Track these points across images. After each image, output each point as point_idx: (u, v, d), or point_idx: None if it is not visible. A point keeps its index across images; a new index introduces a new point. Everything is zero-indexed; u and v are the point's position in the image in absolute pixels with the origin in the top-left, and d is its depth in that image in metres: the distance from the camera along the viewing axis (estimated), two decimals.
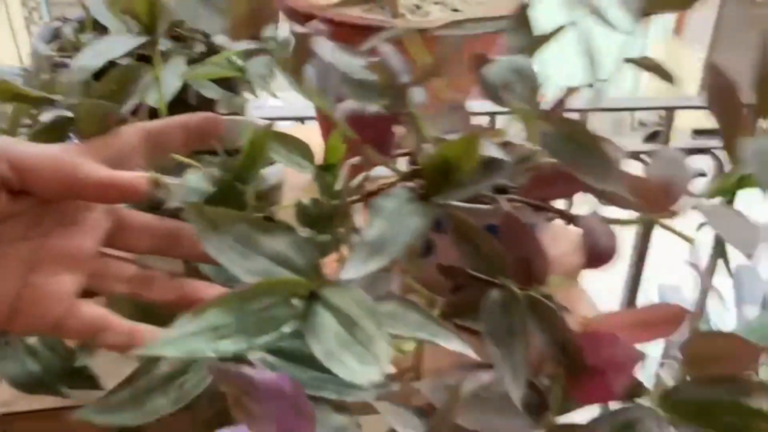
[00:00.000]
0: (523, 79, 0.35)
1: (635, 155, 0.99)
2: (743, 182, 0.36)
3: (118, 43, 0.36)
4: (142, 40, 0.37)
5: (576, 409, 0.33)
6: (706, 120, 0.36)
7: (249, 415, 0.24)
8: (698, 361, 0.32)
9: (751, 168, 0.32)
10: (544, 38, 0.38)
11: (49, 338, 0.44)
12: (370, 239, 0.30)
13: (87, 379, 0.43)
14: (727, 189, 0.38)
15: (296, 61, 0.35)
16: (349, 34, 0.57)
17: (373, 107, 0.36)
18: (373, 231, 0.30)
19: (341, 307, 0.27)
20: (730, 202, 1.00)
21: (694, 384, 0.31)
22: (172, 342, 0.25)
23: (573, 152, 0.32)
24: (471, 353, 0.30)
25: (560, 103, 0.36)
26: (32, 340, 0.44)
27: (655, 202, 0.34)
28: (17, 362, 0.42)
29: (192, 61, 0.49)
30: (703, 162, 1.09)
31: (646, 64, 0.36)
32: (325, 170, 0.42)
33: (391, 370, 0.26)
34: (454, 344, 0.30)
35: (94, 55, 0.36)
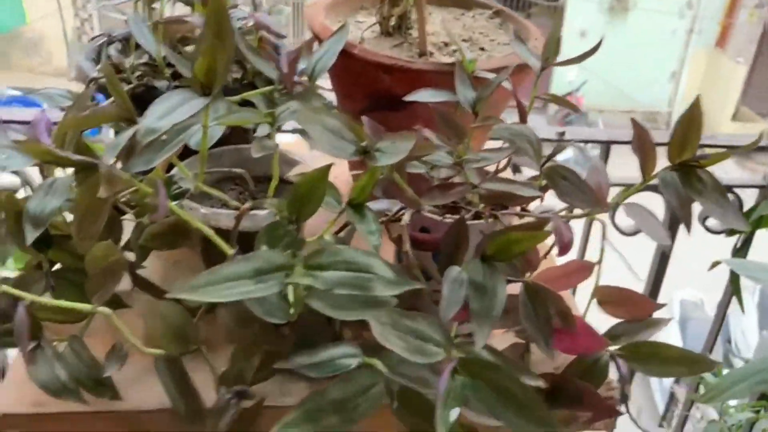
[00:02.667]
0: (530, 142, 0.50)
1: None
2: (761, 223, 0.56)
3: (182, 108, 0.39)
4: (203, 103, 0.40)
5: None
6: None
7: None
8: (607, 303, 0.52)
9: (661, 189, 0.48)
10: None
11: (76, 346, 0.48)
12: (478, 310, 0.43)
13: (109, 390, 0.47)
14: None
15: None
16: (375, 72, 0.60)
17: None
18: (476, 305, 0.43)
19: (494, 380, 0.38)
20: (748, 239, 1.01)
21: (622, 325, 0.51)
22: None
23: (563, 183, 0.49)
24: None
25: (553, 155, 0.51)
26: (61, 347, 0.48)
27: (598, 201, 0.49)
28: (47, 367, 0.45)
29: (228, 91, 0.51)
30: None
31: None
32: (354, 208, 0.46)
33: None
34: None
35: (158, 117, 0.38)
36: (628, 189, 0.52)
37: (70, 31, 4.01)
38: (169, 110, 0.39)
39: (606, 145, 0.93)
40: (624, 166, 0.84)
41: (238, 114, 0.43)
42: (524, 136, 0.48)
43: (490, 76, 0.57)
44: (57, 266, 0.52)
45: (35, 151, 0.41)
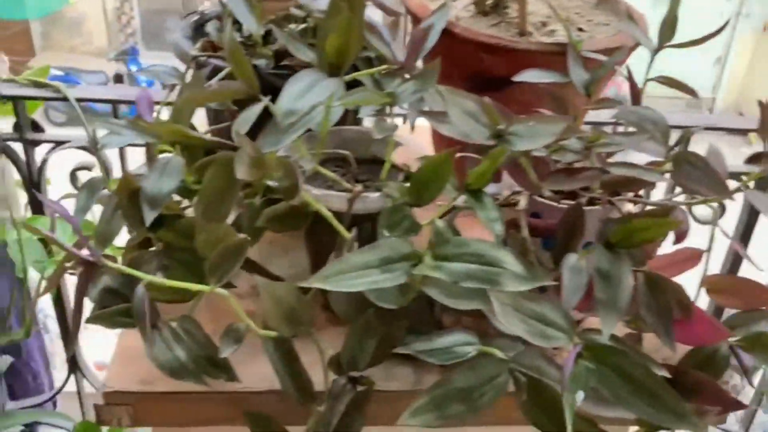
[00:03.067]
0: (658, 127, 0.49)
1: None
2: None
3: (315, 89, 0.39)
4: (335, 84, 0.39)
5: None
6: None
7: None
8: (717, 291, 0.50)
9: None
10: None
11: (188, 325, 0.48)
12: (605, 299, 0.42)
13: (224, 370, 0.47)
14: None
15: None
16: (475, 51, 0.58)
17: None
18: (602, 294, 0.42)
19: (621, 367, 0.37)
20: None
21: (740, 315, 0.49)
22: None
23: (690, 170, 0.47)
24: None
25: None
26: (174, 324, 0.48)
27: (723, 188, 0.46)
28: (165, 347, 0.45)
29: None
30: None
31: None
32: (472, 194, 0.45)
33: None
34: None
35: (295, 98, 0.38)
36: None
37: (110, 12, 4.06)
38: (303, 91, 0.38)
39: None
40: None
41: (360, 94, 0.42)
42: (652, 120, 0.46)
43: (595, 56, 0.55)
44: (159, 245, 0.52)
45: (166, 131, 0.40)
